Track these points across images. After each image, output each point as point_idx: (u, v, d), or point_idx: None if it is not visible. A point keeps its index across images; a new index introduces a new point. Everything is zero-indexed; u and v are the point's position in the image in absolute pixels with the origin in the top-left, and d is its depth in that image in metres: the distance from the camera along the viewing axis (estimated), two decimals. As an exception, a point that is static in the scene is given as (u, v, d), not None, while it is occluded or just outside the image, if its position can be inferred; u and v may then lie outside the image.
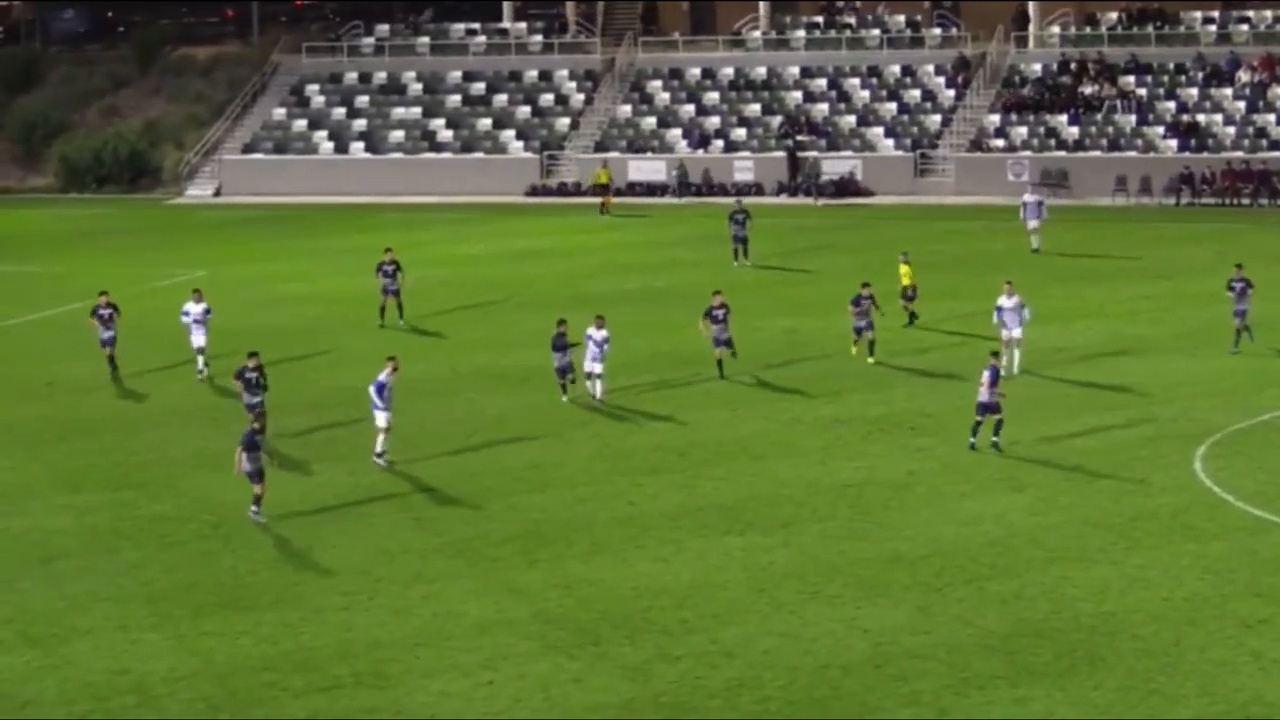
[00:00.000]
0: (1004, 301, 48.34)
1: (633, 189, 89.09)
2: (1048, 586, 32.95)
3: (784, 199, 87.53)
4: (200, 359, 51.08)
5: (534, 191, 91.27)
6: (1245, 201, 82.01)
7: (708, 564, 34.77)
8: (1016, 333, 48.19)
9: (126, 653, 31.16)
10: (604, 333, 47.00)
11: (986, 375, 41.20)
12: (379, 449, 41.77)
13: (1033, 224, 68.48)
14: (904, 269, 55.57)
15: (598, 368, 46.98)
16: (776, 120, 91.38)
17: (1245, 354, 50.23)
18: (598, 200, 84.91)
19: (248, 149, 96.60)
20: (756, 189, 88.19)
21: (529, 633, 31.53)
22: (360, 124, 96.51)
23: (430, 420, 45.83)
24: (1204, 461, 40.46)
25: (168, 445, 44.60)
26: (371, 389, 41.76)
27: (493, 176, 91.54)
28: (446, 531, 37.26)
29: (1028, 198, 69.68)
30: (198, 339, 50.99)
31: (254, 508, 38.03)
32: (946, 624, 31.34)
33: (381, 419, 41.61)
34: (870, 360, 49.61)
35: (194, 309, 51.17)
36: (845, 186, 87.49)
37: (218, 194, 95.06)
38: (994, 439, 41.23)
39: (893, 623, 31.42)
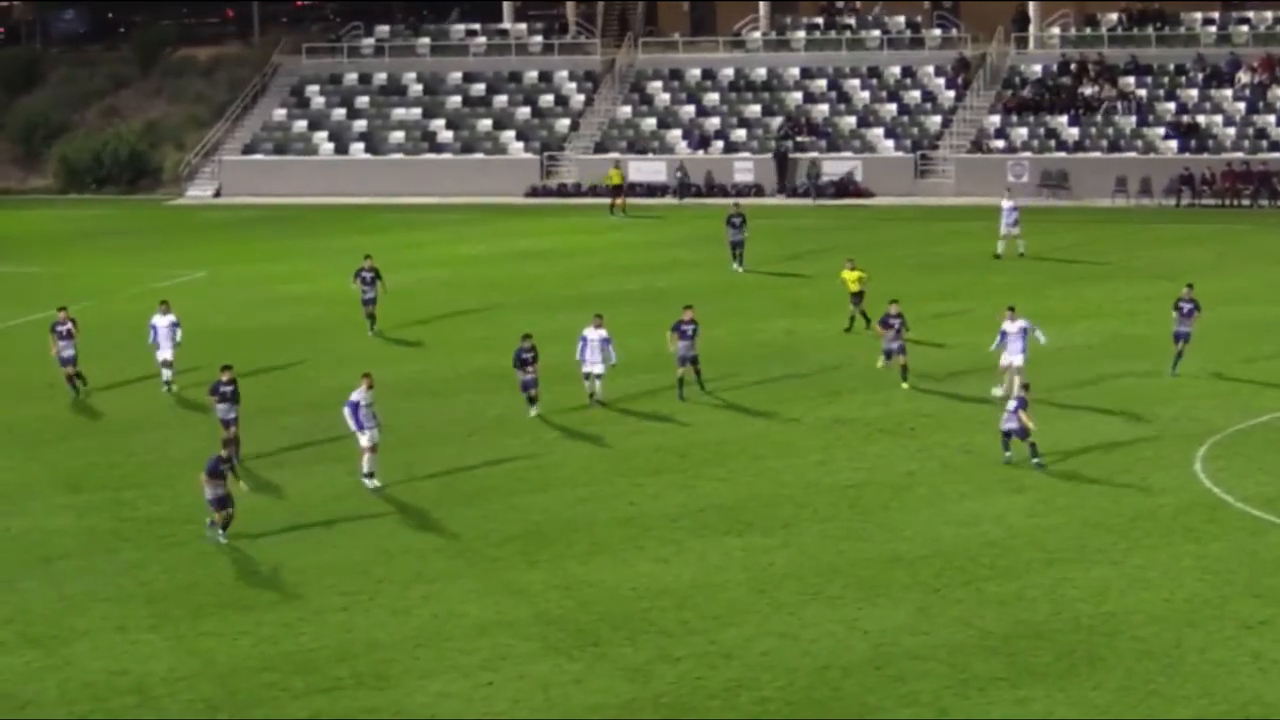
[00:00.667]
0: (1007, 326, 45.89)
1: (633, 190, 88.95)
2: (1047, 587, 32.95)
3: (781, 199, 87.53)
4: (167, 372, 49.65)
5: (534, 192, 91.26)
6: (1245, 202, 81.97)
7: (708, 565, 34.76)
8: (1018, 360, 45.41)
9: (126, 653, 31.16)
10: (602, 332, 46.64)
11: (1012, 404, 40.61)
12: (366, 469, 40.17)
13: (1009, 230, 67.93)
14: (850, 275, 54.40)
15: (598, 368, 46.72)
16: (777, 121, 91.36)
17: (1243, 356, 50.21)
18: (601, 201, 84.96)
19: (248, 150, 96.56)
20: (756, 190, 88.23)
21: (529, 634, 31.53)
22: (360, 125, 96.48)
23: (430, 420, 45.83)
24: (1204, 462, 40.44)
25: (167, 446, 44.57)
26: (345, 410, 39.89)
27: (493, 177, 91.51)
28: (446, 531, 37.26)
29: (1005, 204, 69.02)
30: (164, 353, 49.58)
31: (219, 529, 36.62)
32: (946, 625, 31.34)
33: (364, 438, 39.84)
34: (905, 385, 47.55)
35: (160, 321, 49.69)
36: (845, 187, 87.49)
37: (218, 195, 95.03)
38: (1035, 459, 40.14)
39: (892, 623, 31.42)
